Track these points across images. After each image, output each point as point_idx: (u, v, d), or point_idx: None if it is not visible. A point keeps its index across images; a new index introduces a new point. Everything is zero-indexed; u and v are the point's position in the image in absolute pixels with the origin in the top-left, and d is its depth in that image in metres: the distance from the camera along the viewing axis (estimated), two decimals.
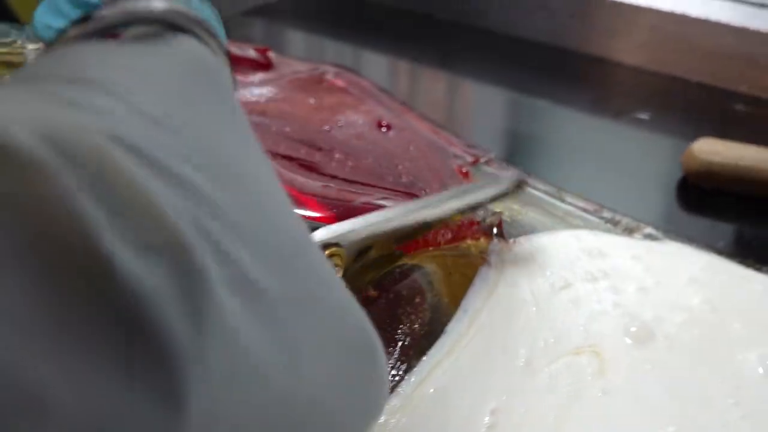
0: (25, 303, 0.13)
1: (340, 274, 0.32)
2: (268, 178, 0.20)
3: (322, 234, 0.33)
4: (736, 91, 0.57)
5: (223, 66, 0.22)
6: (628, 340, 0.34)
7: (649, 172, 0.49)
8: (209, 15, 0.23)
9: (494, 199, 0.41)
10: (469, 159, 0.47)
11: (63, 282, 0.13)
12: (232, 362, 0.16)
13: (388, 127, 0.49)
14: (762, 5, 0.59)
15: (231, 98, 0.21)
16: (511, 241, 0.40)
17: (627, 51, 0.61)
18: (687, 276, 0.37)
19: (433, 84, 0.63)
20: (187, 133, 0.17)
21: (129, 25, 0.21)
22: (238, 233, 0.17)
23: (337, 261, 0.33)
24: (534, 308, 0.36)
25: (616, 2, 0.60)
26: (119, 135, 0.15)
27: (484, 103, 0.61)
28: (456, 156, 0.47)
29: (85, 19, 0.20)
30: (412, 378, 0.32)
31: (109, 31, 0.21)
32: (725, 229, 0.44)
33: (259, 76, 0.54)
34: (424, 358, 0.33)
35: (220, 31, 0.23)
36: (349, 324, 0.21)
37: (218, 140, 0.19)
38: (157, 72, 0.19)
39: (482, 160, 0.47)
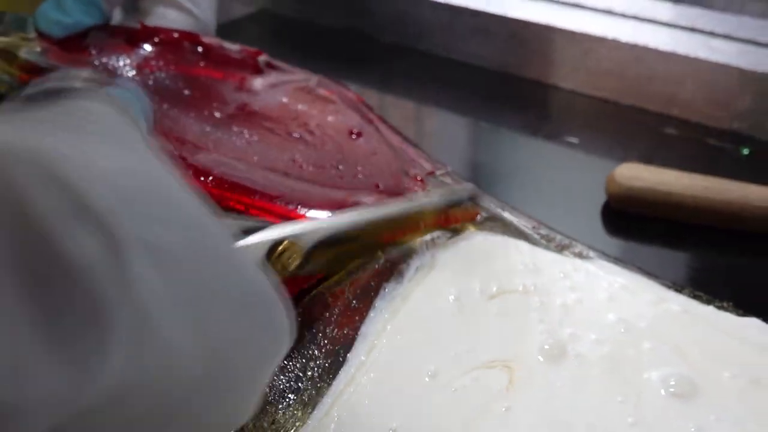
0: None
1: (293, 267, 0.35)
2: (162, 174, 0.24)
3: (281, 230, 0.35)
4: (667, 114, 0.58)
5: (133, 105, 0.28)
6: (541, 357, 0.34)
7: (578, 194, 0.50)
8: (128, 97, 0.28)
9: (450, 205, 0.41)
10: (428, 169, 0.48)
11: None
12: (140, 313, 0.20)
13: (359, 134, 0.50)
14: (692, 30, 0.60)
15: (139, 130, 0.26)
16: (450, 238, 0.40)
17: (562, 75, 0.62)
18: (607, 295, 0.38)
19: (373, 104, 0.64)
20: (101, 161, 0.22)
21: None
22: (147, 215, 0.22)
23: (292, 255, 0.35)
24: (453, 318, 0.36)
25: (551, 27, 0.61)
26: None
27: (422, 123, 0.61)
28: (416, 166, 0.48)
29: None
30: (315, 411, 0.32)
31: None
32: (647, 252, 0.45)
33: (253, 80, 0.53)
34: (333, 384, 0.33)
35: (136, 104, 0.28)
36: (246, 280, 0.25)
37: (123, 161, 0.23)
38: (95, 117, 0.25)
39: (439, 172, 0.48)
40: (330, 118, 0.51)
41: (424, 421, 0.31)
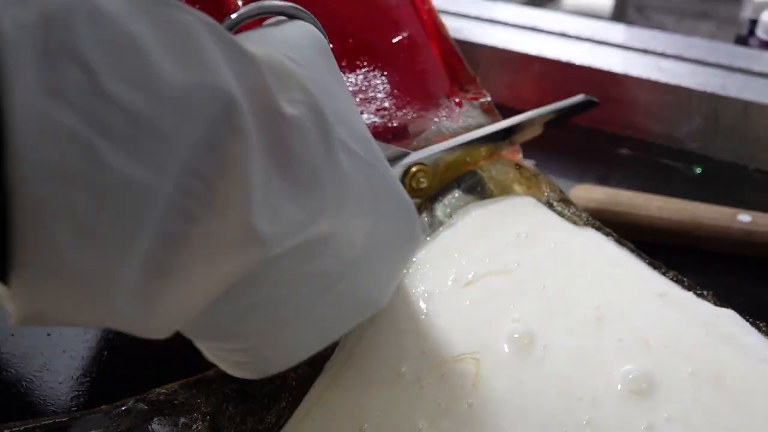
0: None
1: (423, 186, 0.41)
2: (348, 100, 0.30)
3: (413, 156, 0.41)
4: (622, 135, 0.59)
5: (324, 38, 0.31)
6: (508, 349, 0.33)
7: None
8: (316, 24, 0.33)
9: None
10: (471, 93, 0.49)
11: None
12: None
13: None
14: (644, 51, 0.61)
15: (332, 57, 0.31)
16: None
17: (517, 97, 0.62)
18: (591, 273, 0.37)
19: None
20: (307, 70, 0.27)
21: (263, 15, 0.31)
22: (340, 117, 0.27)
23: (423, 176, 0.41)
24: (424, 315, 0.35)
25: (505, 50, 0.61)
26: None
27: None
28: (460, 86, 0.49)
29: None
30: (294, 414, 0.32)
31: (249, 20, 0.31)
32: None
33: None
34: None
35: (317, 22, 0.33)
36: (398, 194, 0.31)
37: (325, 79, 0.29)
38: (292, 39, 0.29)
39: (482, 99, 0.49)
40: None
41: (393, 420, 0.31)
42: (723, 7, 0.63)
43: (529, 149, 0.58)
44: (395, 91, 0.46)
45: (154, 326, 0.22)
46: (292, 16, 0.31)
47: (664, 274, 0.37)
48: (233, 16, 0.30)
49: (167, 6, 0.21)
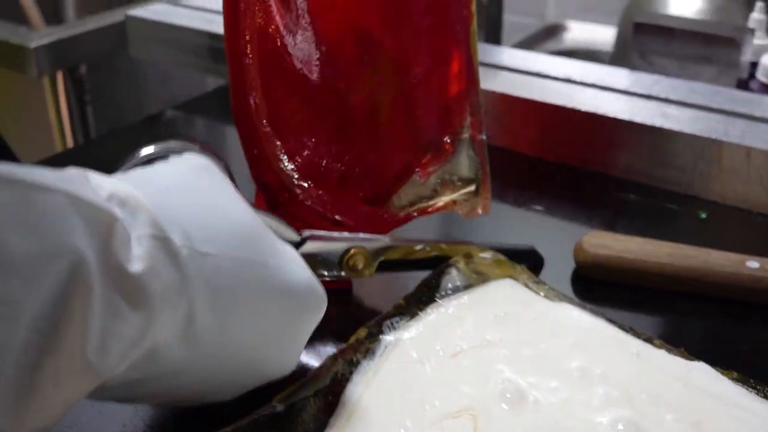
0: None
1: (360, 268, 0.45)
2: (233, 202, 0.35)
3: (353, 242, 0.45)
4: (628, 179, 0.60)
5: (210, 162, 0.37)
6: (500, 404, 0.36)
7: (546, 261, 0.51)
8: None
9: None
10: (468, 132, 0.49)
11: None
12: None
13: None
14: (648, 97, 0.62)
15: (216, 174, 0.36)
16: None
17: (525, 142, 0.63)
18: (571, 341, 0.40)
19: None
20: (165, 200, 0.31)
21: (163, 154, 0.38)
22: (199, 231, 0.31)
23: (360, 259, 0.45)
24: (422, 378, 0.38)
25: (511, 96, 0.63)
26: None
27: None
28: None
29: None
30: None
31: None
32: (617, 317, 0.45)
33: None
34: None
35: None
36: (294, 283, 0.35)
37: (189, 200, 0.33)
38: (173, 171, 0.35)
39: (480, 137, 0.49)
40: None
41: None
42: (724, 51, 0.65)
43: (536, 195, 0.59)
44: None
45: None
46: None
47: (637, 336, 0.41)
48: (142, 154, 0.39)
49: (21, 187, 0.25)
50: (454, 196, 0.49)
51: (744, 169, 0.56)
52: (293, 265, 0.36)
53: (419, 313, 0.42)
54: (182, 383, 0.33)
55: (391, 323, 0.42)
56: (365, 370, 0.39)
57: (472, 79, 0.48)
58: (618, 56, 1.10)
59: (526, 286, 0.44)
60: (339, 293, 0.48)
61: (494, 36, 0.74)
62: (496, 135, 0.64)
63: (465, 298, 0.43)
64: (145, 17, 0.81)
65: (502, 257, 0.46)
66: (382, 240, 0.45)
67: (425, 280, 0.45)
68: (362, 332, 0.41)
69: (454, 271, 0.45)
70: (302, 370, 0.39)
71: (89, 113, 1.19)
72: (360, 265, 0.44)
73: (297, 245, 0.42)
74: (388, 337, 0.41)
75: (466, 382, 0.37)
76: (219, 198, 0.35)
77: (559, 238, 0.54)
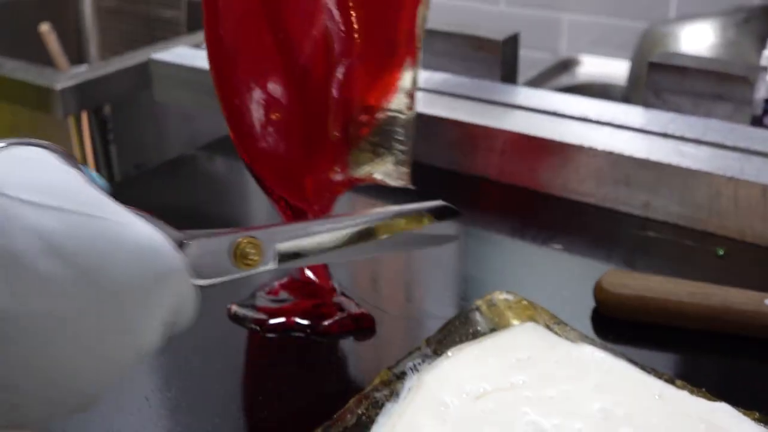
0: None
1: (254, 259, 0.38)
2: (78, 185, 0.31)
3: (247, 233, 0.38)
4: (645, 216, 0.60)
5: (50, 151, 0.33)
6: None
7: (566, 299, 0.51)
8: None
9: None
10: None
11: None
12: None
13: None
14: (664, 135, 0.62)
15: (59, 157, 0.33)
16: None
17: (542, 181, 0.64)
18: (594, 383, 0.40)
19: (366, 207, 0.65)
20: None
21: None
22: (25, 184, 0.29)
23: (250, 248, 0.37)
24: (445, 419, 0.38)
25: (527, 135, 0.63)
26: None
27: None
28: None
29: None
30: None
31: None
32: (638, 355, 0.46)
33: None
34: None
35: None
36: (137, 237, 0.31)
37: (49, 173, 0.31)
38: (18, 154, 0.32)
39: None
40: None
41: None
42: (737, 89, 0.65)
43: (554, 233, 0.59)
44: None
45: None
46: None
47: (659, 377, 0.41)
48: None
49: None
50: (381, 165, 0.48)
51: (761, 206, 0.56)
52: (138, 224, 0.32)
53: (442, 355, 0.43)
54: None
55: (414, 365, 0.42)
56: (390, 413, 0.39)
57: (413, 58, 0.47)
58: (632, 90, 1.11)
59: (548, 327, 0.45)
60: (360, 333, 0.48)
61: (510, 75, 0.75)
62: (514, 173, 0.65)
63: (488, 342, 0.43)
64: (168, 60, 0.82)
65: (524, 300, 0.47)
66: (277, 228, 0.39)
67: (448, 323, 0.45)
68: (385, 374, 0.41)
69: (476, 315, 0.45)
70: (326, 413, 0.39)
71: (113, 152, 1.21)
72: (253, 255, 0.38)
73: (180, 245, 0.36)
74: (411, 379, 0.41)
75: (491, 425, 0.38)
76: (57, 168, 0.32)
77: (579, 275, 0.54)
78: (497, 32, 0.74)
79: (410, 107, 0.47)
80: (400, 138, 0.47)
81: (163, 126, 1.33)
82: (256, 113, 0.46)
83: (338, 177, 0.48)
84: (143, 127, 1.29)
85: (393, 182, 0.47)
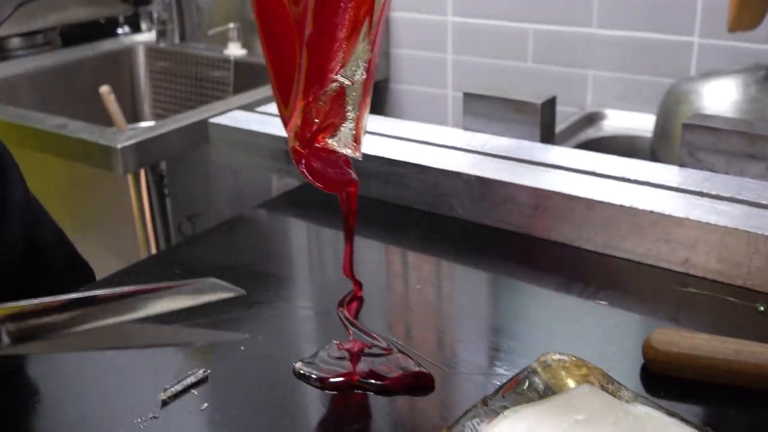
0: None
1: None
2: None
3: None
4: (685, 273, 0.60)
5: None
6: None
7: (613, 356, 0.51)
8: None
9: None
10: None
11: None
12: None
13: None
14: (700, 194, 0.62)
15: None
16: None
17: (585, 239, 0.63)
18: None
19: (420, 264, 0.66)
20: None
21: None
22: None
23: None
24: None
25: (571, 195, 0.63)
26: None
27: (455, 281, 0.63)
28: None
29: None
30: None
31: None
32: (687, 411, 0.45)
33: None
34: None
35: None
36: None
37: None
38: None
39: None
40: None
41: None
42: None
43: (599, 289, 0.59)
44: None
45: None
46: None
47: None
48: None
49: None
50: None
51: None
52: None
53: (500, 415, 0.42)
54: None
55: (473, 425, 0.42)
56: None
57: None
58: (658, 142, 1.11)
59: (602, 387, 0.44)
60: (419, 391, 0.48)
61: (549, 136, 0.75)
62: (559, 231, 0.65)
63: (545, 404, 0.43)
64: (224, 124, 0.84)
65: (578, 360, 0.46)
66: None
67: (505, 383, 0.45)
68: None
69: (532, 376, 0.45)
70: None
71: (168, 205, 1.23)
72: None
73: None
74: None
75: None
76: None
77: (625, 331, 0.54)
78: (536, 96, 0.75)
79: (361, 79, 0.48)
80: (349, 107, 0.48)
81: (212, 180, 1.35)
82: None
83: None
84: (195, 182, 1.31)
85: (342, 149, 0.48)
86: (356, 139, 0.48)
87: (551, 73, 1.43)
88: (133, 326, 0.38)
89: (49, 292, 0.60)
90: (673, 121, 1.10)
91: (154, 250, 1.22)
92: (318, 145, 0.48)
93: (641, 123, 1.31)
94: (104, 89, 1.46)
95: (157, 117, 1.73)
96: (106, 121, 1.51)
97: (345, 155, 0.48)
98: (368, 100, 0.49)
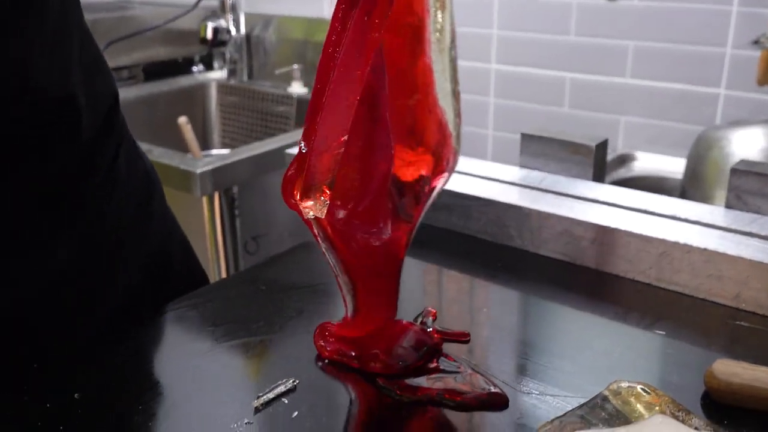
0: None
1: None
2: None
3: None
4: (737, 307, 0.58)
5: None
6: None
7: (677, 384, 0.49)
8: None
9: None
10: None
11: None
12: None
13: None
14: (749, 234, 0.60)
15: None
16: None
17: (640, 271, 0.62)
18: None
19: (486, 291, 0.64)
20: None
21: None
22: None
23: None
24: None
25: (626, 231, 0.62)
26: None
27: (526, 310, 0.61)
28: None
29: None
30: None
31: None
32: None
33: None
34: None
35: None
36: None
37: None
38: None
39: None
40: None
41: None
42: None
43: (656, 320, 0.57)
44: None
45: None
46: None
47: None
48: None
49: None
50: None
51: None
52: None
53: None
54: None
55: None
56: None
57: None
58: (688, 183, 1.08)
59: (673, 414, 0.42)
60: (492, 409, 0.47)
61: (600, 175, 0.74)
62: (615, 264, 0.63)
63: (620, 430, 0.41)
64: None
65: (647, 387, 0.45)
66: None
67: (575, 409, 0.43)
68: None
69: (604, 403, 0.44)
70: None
71: (237, 225, 1.23)
72: None
73: None
74: None
75: None
76: None
77: (684, 361, 0.52)
78: (589, 138, 0.73)
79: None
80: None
81: (275, 204, 1.35)
82: None
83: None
84: (260, 205, 1.31)
85: None
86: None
87: (585, 117, 1.42)
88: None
89: (170, 294, 0.61)
90: (703, 164, 1.08)
91: (223, 264, 1.22)
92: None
93: (669, 165, 1.28)
94: (182, 120, 1.47)
95: (225, 146, 1.74)
96: (181, 147, 1.52)
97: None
98: None
